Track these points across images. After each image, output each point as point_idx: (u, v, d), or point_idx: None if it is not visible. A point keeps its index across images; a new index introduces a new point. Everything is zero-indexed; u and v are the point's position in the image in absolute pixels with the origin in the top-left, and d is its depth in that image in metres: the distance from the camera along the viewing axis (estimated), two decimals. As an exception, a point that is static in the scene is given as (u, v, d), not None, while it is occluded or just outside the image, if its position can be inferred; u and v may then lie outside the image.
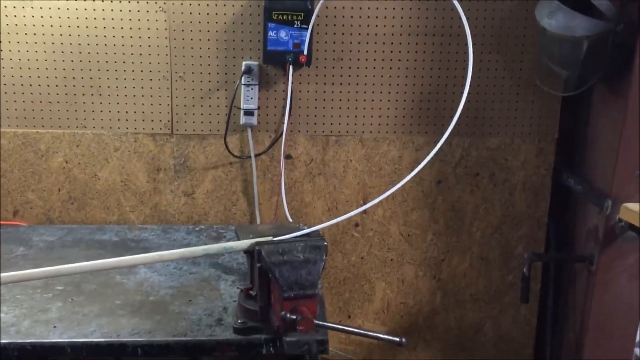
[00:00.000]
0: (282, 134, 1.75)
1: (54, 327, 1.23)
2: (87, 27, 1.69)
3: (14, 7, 1.66)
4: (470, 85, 1.32)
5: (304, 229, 1.20)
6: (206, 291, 1.40)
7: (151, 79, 1.73)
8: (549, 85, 1.71)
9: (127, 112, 1.75)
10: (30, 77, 1.71)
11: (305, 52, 1.68)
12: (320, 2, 1.65)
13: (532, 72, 1.77)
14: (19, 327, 1.22)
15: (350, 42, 1.74)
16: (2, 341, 1.17)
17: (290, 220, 1.77)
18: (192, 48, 1.72)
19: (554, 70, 1.64)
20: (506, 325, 1.96)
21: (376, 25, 1.73)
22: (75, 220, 1.82)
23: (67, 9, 1.67)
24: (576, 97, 1.71)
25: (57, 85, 1.72)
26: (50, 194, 1.79)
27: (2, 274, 1.11)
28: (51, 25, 1.68)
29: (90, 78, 1.72)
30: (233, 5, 1.70)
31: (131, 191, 1.81)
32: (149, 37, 1.70)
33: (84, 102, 1.74)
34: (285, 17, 1.66)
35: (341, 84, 1.77)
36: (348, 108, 1.79)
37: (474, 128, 1.82)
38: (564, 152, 1.85)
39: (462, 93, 1.31)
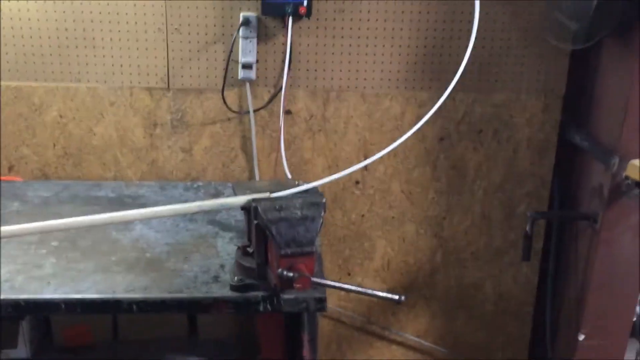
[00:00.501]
0: (281, 88, 1.71)
1: (48, 283, 1.21)
2: (79, -24, 1.63)
3: (3, -46, 1.60)
4: (475, 39, 1.27)
5: (302, 186, 1.17)
6: (203, 248, 1.38)
7: (146, 31, 1.68)
8: (558, 39, 1.65)
9: (121, 65, 1.70)
10: (22, 28, 1.66)
11: (305, 3, 1.62)
12: (321, -50, 1.59)
13: (540, 25, 1.71)
14: (12, 282, 1.20)
15: (352, -7, 1.68)
16: (-4, 297, 1.16)
17: (290, 177, 1.74)
18: (188, -2, 1.67)
19: (563, 23, 1.58)
20: (506, 284, 1.95)
21: (379, -25, 1.67)
22: (71, 176, 1.79)
23: (58, -44, 1.61)
24: (585, 52, 1.66)
25: (49, 37, 1.67)
26: (45, 149, 1.76)
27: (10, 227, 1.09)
28: (42, -26, 1.62)
29: (84, 30, 1.67)
30: (230, -46, 1.63)
31: (128, 147, 1.77)
32: (143, -13, 1.65)
33: (77, 55, 1.69)
34: (284, -34, 1.60)
35: (342, 37, 1.71)
36: (349, 62, 1.74)
37: (478, 83, 1.77)
38: (570, 109, 1.80)
39: (467, 47, 1.26)
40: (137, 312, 1.18)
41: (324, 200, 1.14)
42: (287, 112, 1.76)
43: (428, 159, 1.83)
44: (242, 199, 1.14)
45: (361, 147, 1.80)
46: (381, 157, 1.77)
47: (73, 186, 1.72)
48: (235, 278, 1.21)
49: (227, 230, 1.49)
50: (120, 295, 1.19)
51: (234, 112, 1.74)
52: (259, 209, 1.10)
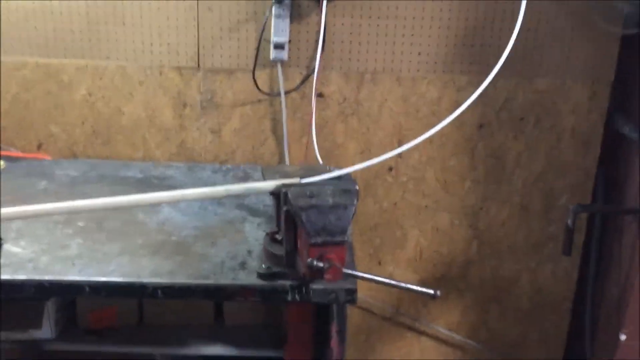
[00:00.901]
0: (314, 70, 1.65)
1: (73, 264, 1.18)
2: (109, -50, 1.59)
3: None
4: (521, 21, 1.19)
5: (334, 172, 1.11)
6: (230, 233, 1.34)
7: (177, 9, 1.63)
8: (608, 22, 1.56)
9: (151, 43, 1.66)
10: (52, 4, 1.62)
11: (342, -19, 1.56)
12: None
13: (589, 7, 1.62)
14: (36, 262, 1.18)
15: (391, -29, 1.61)
16: (19, 277, 1.13)
17: (321, 162, 1.69)
18: (220, -25, 1.61)
19: (614, 5, 1.48)
20: (544, 278, 1.87)
21: (419, -47, 1.59)
22: (99, 155, 1.76)
23: None
24: (637, 36, 1.56)
25: (79, 14, 1.63)
26: (74, 128, 1.73)
27: (24, 207, 1.06)
28: (72, -52, 1.59)
29: (114, 7, 1.63)
30: None
31: (156, 127, 1.74)
32: (174, -37, 1.60)
33: (107, 32, 1.65)
34: (320, -59, 1.53)
35: (378, 17, 1.64)
36: (385, 44, 1.67)
37: (521, 68, 1.68)
38: (619, 97, 1.71)
39: (511, 30, 1.18)
40: (162, 297, 1.15)
41: (356, 188, 1.09)
42: (319, 95, 1.70)
43: (466, 147, 1.75)
44: (271, 184, 1.09)
45: (395, 132, 1.74)
46: (416, 144, 1.71)
47: (101, 166, 1.69)
48: (263, 265, 1.16)
49: (256, 215, 1.44)
50: (146, 279, 1.15)
51: (264, 93, 1.69)
52: (289, 195, 1.05)
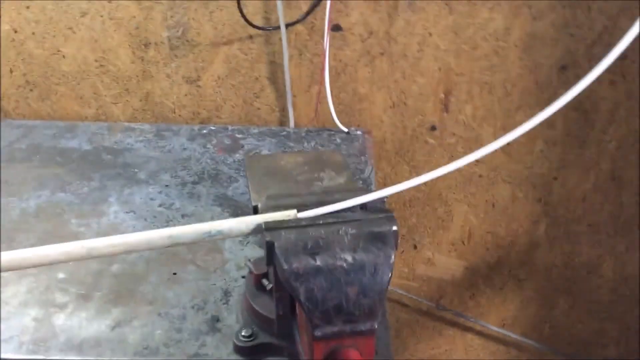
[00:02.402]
0: (326, -9, 1.14)
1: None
2: None
3: None
4: None
5: (357, 197, 0.64)
6: (201, 254, 0.90)
7: None
8: None
9: (92, -44, 1.16)
10: None
11: None
12: None
13: None
14: None
15: None
16: None
17: (338, 122, 1.22)
18: None
19: None
20: (633, 266, 1.43)
21: None
22: (38, 114, 1.30)
23: None
24: None
25: None
26: (-1, 78, 1.27)
27: None
28: None
29: None
30: None
31: (111, 75, 1.26)
32: None
33: (28, -60, 1.15)
34: None
35: None
36: (431, -50, 1.14)
37: (629, -17, 1.15)
38: None
39: None
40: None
41: (395, 228, 0.63)
42: (335, 28, 1.20)
43: (540, 97, 1.25)
44: (245, 223, 0.63)
45: (442, 77, 1.24)
46: (470, 94, 1.22)
47: (38, 130, 1.24)
48: (242, 333, 0.73)
49: (243, 216, 1.00)
50: (52, 358, 0.73)
51: (257, 27, 1.19)
52: (277, 250, 0.60)
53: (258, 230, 0.62)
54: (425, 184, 1.34)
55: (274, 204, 0.65)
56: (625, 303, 1.47)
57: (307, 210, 0.63)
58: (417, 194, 1.37)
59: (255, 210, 0.69)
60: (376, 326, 0.59)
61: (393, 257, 0.60)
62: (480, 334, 1.54)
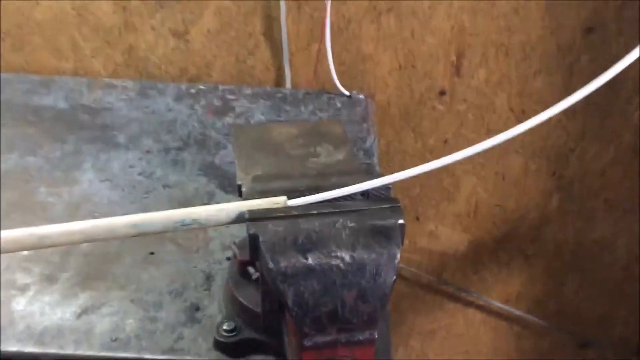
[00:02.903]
0: (330, -63, 1.02)
1: None
2: None
3: None
4: None
5: (360, 182, 0.55)
6: (183, 230, 0.81)
7: None
8: None
9: None
10: None
11: None
12: None
13: None
14: None
15: None
16: None
17: (339, 84, 1.11)
18: None
19: None
20: (649, 244, 1.34)
21: None
22: (13, 66, 1.19)
23: None
24: None
25: None
26: (-32, 26, 1.15)
27: None
28: None
29: None
30: None
31: (90, 26, 1.15)
32: None
33: None
34: None
35: None
36: None
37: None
38: None
39: None
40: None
41: (401, 222, 0.53)
42: (339, -21, 1.08)
43: (561, 62, 1.14)
44: (225, 211, 0.53)
45: (454, 37, 1.13)
46: (484, 57, 1.11)
47: (11, 84, 1.12)
48: (224, 327, 0.65)
49: (232, 189, 0.91)
50: (10, 349, 0.65)
51: (251, -25, 1.07)
52: (262, 244, 0.50)
53: (241, 219, 0.53)
54: (431, 152, 1.25)
55: (261, 187, 0.56)
56: (638, 283, 1.40)
57: (299, 197, 0.54)
58: (422, 164, 1.27)
59: (240, 192, 0.59)
60: (376, 335, 0.51)
61: (398, 256, 0.51)
62: (482, 309, 1.47)
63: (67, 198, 0.86)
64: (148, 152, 0.97)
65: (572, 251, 1.37)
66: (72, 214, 0.83)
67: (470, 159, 1.25)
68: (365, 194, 0.55)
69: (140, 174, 0.92)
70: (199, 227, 0.53)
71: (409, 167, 1.24)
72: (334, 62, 1.11)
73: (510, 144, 1.24)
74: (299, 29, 1.13)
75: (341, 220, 0.52)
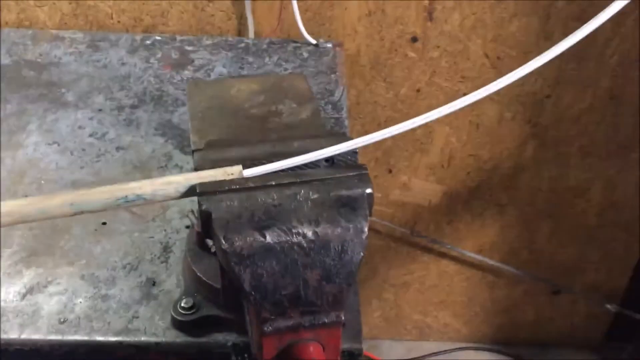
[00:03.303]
0: None
1: None
2: None
3: None
4: None
5: (319, 149, 0.49)
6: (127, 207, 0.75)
7: None
8: None
9: None
10: None
11: None
12: None
13: None
14: None
15: None
16: None
17: (305, 32, 1.05)
18: None
19: None
20: (624, 189, 1.32)
21: None
22: (-51, 18, 1.10)
23: None
24: None
25: None
26: None
27: None
28: None
29: None
30: None
31: (32, -29, 1.05)
32: None
33: None
34: None
35: None
36: None
37: None
38: None
39: None
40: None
41: (370, 191, 0.48)
42: None
43: (537, 4, 1.09)
44: (174, 184, 0.48)
45: (426, -21, 1.06)
46: (458, 0, 1.06)
47: (-53, 38, 1.04)
48: (183, 301, 0.60)
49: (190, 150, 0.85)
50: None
51: None
52: (214, 223, 0.45)
53: (191, 193, 0.47)
54: (403, 102, 1.19)
55: (215, 156, 0.50)
56: (611, 229, 1.39)
57: (256, 166, 0.48)
58: (393, 114, 1.22)
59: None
60: (343, 317, 0.47)
61: (366, 229, 0.47)
62: (455, 259, 1.45)
63: (10, 164, 0.79)
64: (100, 110, 0.90)
65: (546, 199, 1.35)
66: (16, 182, 0.76)
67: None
68: (330, 159, 0.50)
69: (91, 135, 0.85)
70: (144, 203, 0.47)
71: (381, 117, 1.19)
72: (299, 8, 1.04)
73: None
74: (259, -27, 1.05)
75: (302, 191, 0.47)
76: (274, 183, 0.47)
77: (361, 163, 0.50)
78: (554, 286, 1.48)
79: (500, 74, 1.11)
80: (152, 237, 0.70)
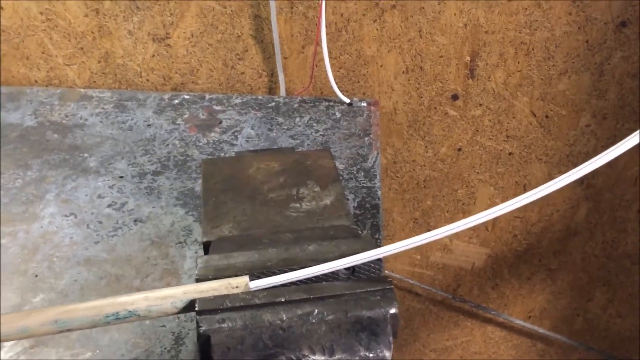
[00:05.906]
0: None
1: None
2: None
3: None
4: None
5: (344, 258, 0.43)
6: (153, 278, 0.70)
7: None
8: None
9: None
10: None
11: None
12: None
13: None
14: None
15: None
16: None
17: (338, 90, 0.99)
18: None
19: None
20: (687, 257, 1.21)
21: None
22: (-20, 77, 1.09)
23: None
24: None
25: None
26: None
27: None
28: None
29: None
30: None
31: (60, 30, 1.03)
32: None
33: None
34: None
35: None
36: None
37: None
38: None
39: None
40: None
41: (393, 311, 0.41)
42: (335, -27, 0.96)
43: (589, 60, 1.01)
44: (170, 299, 0.42)
45: (467, 36, 1.00)
46: (502, 57, 0.99)
47: (-23, 98, 1.03)
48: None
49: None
50: None
51: (235, -28, 0.95)
52: (214, 348, 0.39)
53: (190, 309, 0.42)
54: (443, 161, 1.13)
55: (219, 263, 0.44)
56: (674, 298, 1.27)
57: (265, 276, 0.42)
58: (433, 173, 1.15)
59: (206, 250, 0.48)
60: None
61: (389, 358, 0.40)
62: (502, 326, 1.35)
63: (23, 239, 0.75)
64: (121, 177, 0.86)
65: (600, 265, 1.24)
66: (27, 260, 0.72)
67: (487, 167, 1.13)
68: (350, 267, 0.43)
69: (110, 205, 0.81)
70: (138, 319, 0.42)
71: (419, 177, 1.12)
72: (332, 66, 0.99)
73: (533, 151, 1.11)
74: (292, 30, 1.00)
75: (316, 310, 0.40)
76: (283, 300, 0.41)
77: (385, 276, 0.43)
78: (610, 357, 1.36)
79: (549, 133, 1.03)
80: (164, 326, 0.64)
